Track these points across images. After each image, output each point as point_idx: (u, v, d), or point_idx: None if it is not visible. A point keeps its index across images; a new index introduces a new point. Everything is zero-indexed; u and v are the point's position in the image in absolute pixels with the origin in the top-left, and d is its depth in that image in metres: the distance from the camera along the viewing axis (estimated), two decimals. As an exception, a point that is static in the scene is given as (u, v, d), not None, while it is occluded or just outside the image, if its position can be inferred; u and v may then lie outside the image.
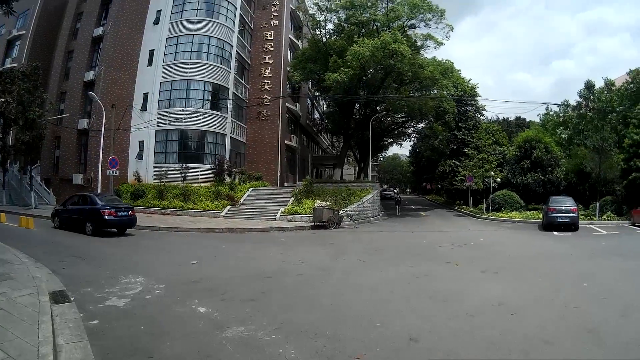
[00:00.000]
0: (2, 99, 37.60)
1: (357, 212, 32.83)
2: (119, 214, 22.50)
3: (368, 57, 35.68)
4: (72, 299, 9.23)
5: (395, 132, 62.02)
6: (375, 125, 49.09)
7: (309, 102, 62.98)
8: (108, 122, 34.11)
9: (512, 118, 74.93)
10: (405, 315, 8.80)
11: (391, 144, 70.25)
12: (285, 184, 47.41)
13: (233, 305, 9.48)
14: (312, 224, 28.94)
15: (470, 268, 14.39)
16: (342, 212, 30.69)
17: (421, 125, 55.71)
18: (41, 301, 8.31)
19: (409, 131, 62.06)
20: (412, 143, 72.78)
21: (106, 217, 21.84)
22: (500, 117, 71.85)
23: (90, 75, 43.05)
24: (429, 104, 40.74)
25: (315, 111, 68.90)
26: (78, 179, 41.45)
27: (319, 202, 31.29)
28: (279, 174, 47.02)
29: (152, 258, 16.29)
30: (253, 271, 13.81)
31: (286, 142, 49.65)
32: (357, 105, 47.98)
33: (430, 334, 7.58)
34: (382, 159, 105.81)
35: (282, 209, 33.33)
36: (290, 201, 35.29)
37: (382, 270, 14.12)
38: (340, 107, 48.12)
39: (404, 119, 55.11)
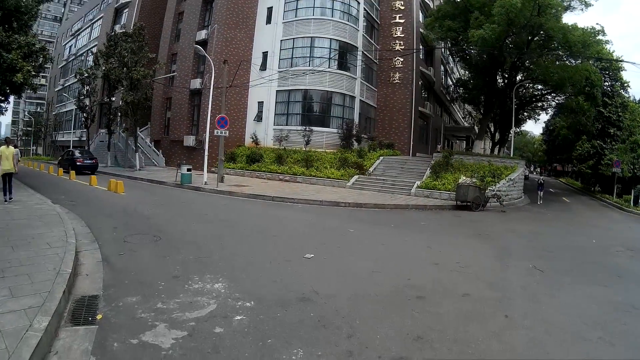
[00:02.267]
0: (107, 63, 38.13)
1: (504, 193, 27.01)
2: (85, 161, 33.69)
3: (518, 9, 29.59)
4: (98, 317, 6.14)
5: (535, 105, 55.70)
6: (510, 97, 43.31)
7: (442, 68, 57.54)
8: (221, 80, 30.17)
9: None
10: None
11: (528, 118, 63.33)
12: (418, 155, 42.29)
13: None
14: (454, 203, 23.88)
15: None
16: (488, 191, 24.95)
17: (558, 99, 49.75)
18: (33, 326, 5.12)
19: (552, 104, 55.15)
20: (546, 119, 67.78)
21: (78, 163, 32.93)
22: (637, 98, 64.39)
23: (202, 35, 40.21)
24: (581, 74, 34.23)
25: (448, 79, 63.39)
26: (189, 140, 38.80)
27: (463, 177, 25.67)
28: (411, 143, 41.81)
29: (251, 245, 11.21)
30: (395, 282, 8.81)
31: (420, 109, 44.32)
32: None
33: None
34: (518, 134, 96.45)
35: (418, 183, 28.08)
36: (427, 174, 30.11)
37: (574, 291, 9.45)
38: (481, 73, 42.33)
39: (544, 92, 49.10)
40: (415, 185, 27.64)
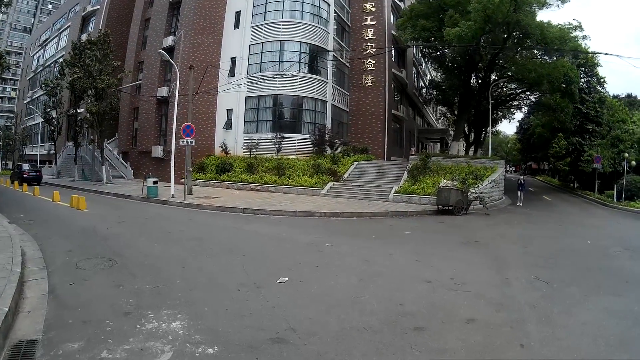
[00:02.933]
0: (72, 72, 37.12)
1: (487, 195, 26.47)
2: (31, 173, 38.25)
3: (496, 5, 29.07)
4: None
5: (510, 104, 55.72)
6: (485, 97, 42.83)
7: (414, 70, 56.71)
8: (187, 87, 29.19)
9: (622, 95, 67.88)
10: None
11: (503, 117, 63.89)
12: (392, 158, 41.44)
13: None
14: (436, 208, 23.00)
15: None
16: (470, 194, 24.16)
17: (532, 97, 49.99)
18: None
19: (527, 102, 54.83)
20: (520, 118, 69.23)
21: (24, 175, 37.15)
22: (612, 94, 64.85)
23: (169, 41, 39.26)
24: (559, 70, 33.76)
25: (421, 81, 62.64)
26: (157, 151, 37.72)
27: (444, 180, 24.94)
28: (385, 147, 41.14)
29: (217, 268, 10.05)
30: (386, 309, 7.55)
31: (393, 111, 43.64)
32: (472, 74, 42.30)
33: None
34: (494, 134, 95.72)
35: (396, 188, 27.22)
36: (404, 178, 29.26)
37: (586, 304, 8.46)
38: (456, 73, 42.22)
39: (518, 90, 49.10)
40: (392, 191, 26.83)
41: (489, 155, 41.18)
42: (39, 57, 70.58)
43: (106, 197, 27.19)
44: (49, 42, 67.26)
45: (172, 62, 30.28)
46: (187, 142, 25.01)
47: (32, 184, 33.71)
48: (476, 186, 25.87)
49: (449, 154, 37.18)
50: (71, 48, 39.56)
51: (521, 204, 29.62)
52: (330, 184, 29.36)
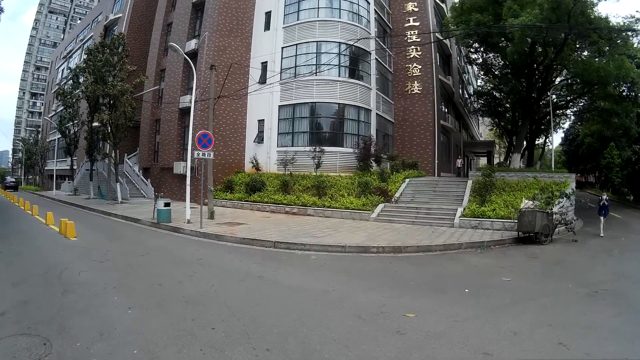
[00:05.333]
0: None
1: (570, 217, 21.62)
2: (10, 183, 68.46)
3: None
4: None
5: (559, 112, 50.46)
6: (542, 103, 39.83)
7: (458, 78, 52.64)
8: (208, 90, 25.50)
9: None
10: None
11: (554, 127, 58.44)
12: (442, 174, 37.41)
13: None
14: (515, 234, 18.39)
15: None
16: (555, 216, 19.15)
17: (581, 104, 45.46)
18: None
19: (574, 111, 50.51)
20: (565, 129, 65.34)
21: (6, 184, 67.49)
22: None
23: (192, 45, 35.60)
24: (626, 68, 29.70)
25: (465, 90, 58.96)
26: (180, 167, 33.55)
27: (526, 200, 20.25)
28: (436, 161, 37.06)
29: None
30: None
31: (441, 122, 39.62)
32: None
33: None
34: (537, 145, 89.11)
35: (461, 210, 22.51)
36: (467, 197, 24.66)
37: None
38: (514, 75, 38.18)
39: (569, 98, 44.65)
40: (458, 214, 22.07)
41: (553, 168, 36.16)
42: (63, 70, 68.55)
43: (112, 219, 23.73)
44: (73, 53, 65.72)
45: (189, 59, 26.15)
46: (204, 154, 20.50)
47: (14, 191, 57.46)
48: (560, 205, 21.34)
49: (510, 168, 32.99)
50: (85, 53, 36.92)
51: (603, 234, 21.57)
52: (380, 205, 24.76)
